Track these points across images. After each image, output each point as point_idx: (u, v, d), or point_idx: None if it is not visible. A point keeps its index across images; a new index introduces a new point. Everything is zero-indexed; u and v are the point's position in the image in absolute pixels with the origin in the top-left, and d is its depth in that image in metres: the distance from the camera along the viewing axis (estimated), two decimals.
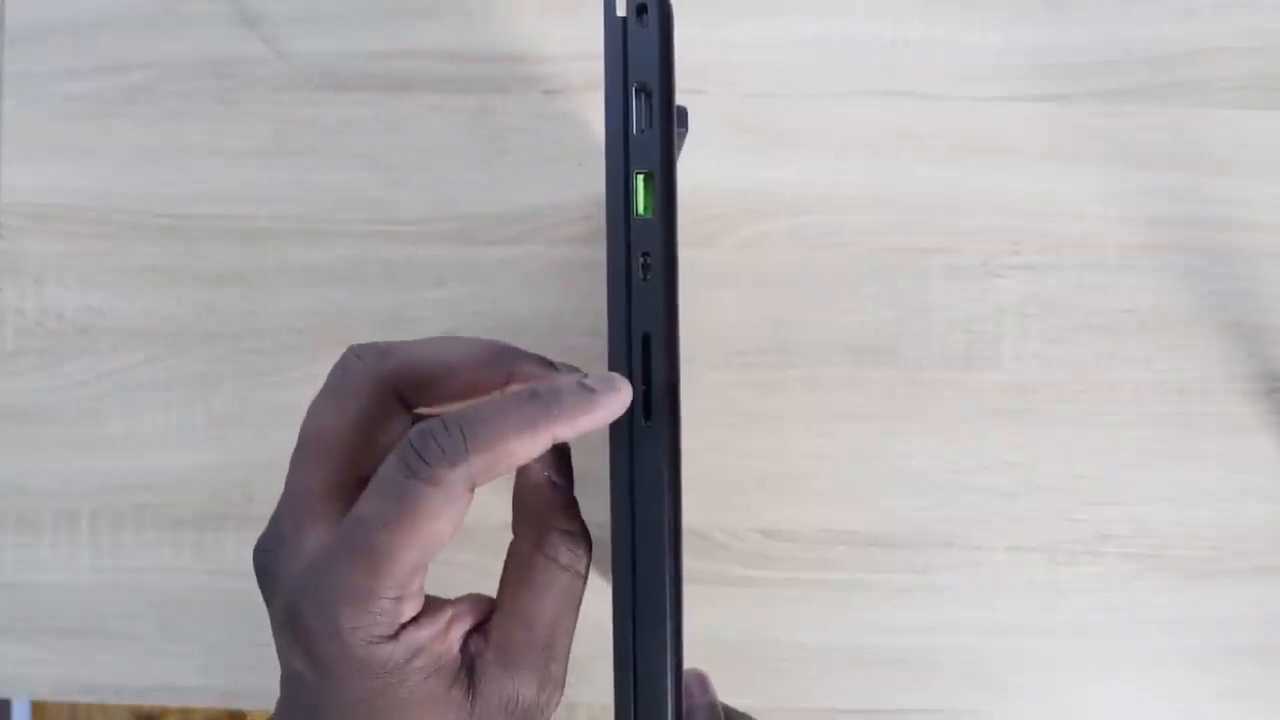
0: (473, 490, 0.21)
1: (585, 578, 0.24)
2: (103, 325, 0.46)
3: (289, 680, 0.23)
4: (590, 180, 0.45)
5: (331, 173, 0.46)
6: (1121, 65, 0.45)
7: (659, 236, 0.23)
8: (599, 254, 0.45)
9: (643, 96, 0.23)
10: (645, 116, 0.23)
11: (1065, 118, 0.45)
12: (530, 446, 0.21)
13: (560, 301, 0.45)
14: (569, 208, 0.45)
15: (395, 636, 0.21)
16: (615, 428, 0.24)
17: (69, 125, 0.46)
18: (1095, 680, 0.44)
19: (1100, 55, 0.45)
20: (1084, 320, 0.44)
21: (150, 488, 0.45)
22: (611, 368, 0.24)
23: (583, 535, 0.24)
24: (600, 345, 0.45)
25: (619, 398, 0.23)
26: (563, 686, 0.24)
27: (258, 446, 0.45)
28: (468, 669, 0.23)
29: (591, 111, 0.46)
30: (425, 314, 0.45)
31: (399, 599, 0.21)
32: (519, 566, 0.24)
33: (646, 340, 0.23)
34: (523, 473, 0.24)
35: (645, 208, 0.23)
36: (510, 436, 0.21)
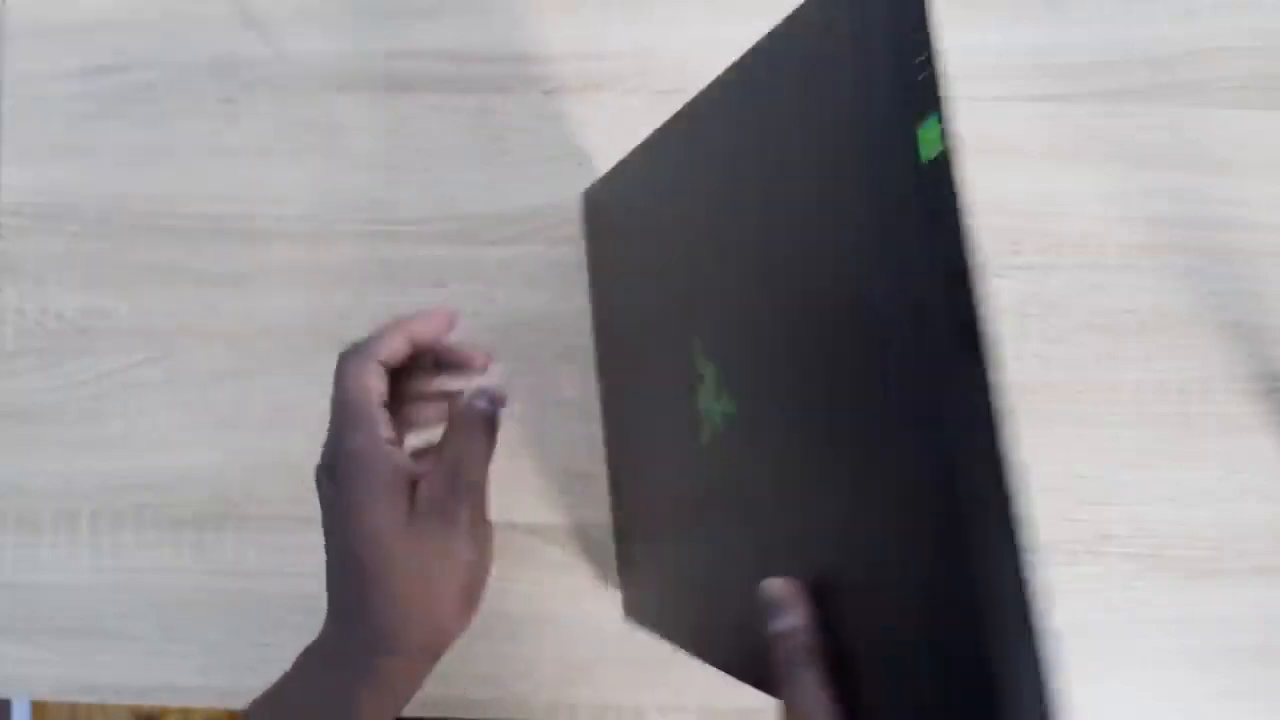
0: (380, 363, 0.34)
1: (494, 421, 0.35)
2: (103, 325, 0.46)
3: (323, 504, 0.34)
4: (590, 180, 0.45)
5: (331, 173, 0.46)
6: (1121, 65, 0.45)
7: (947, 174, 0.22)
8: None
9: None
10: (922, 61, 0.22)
11: (1065, 118, 0.45)
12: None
13: (560, 301, 0.45)
14: (569, 208, 0.45)
15: (381, 447, 0.33)
16: (935, 367, 0.22)
17: (69, 125, 0.46)
18: (1095, 680, 0.44)
19: (1100, 55, 0.45)
20: (1084, 320, 0.44)
21: (150, 488, 0.45)
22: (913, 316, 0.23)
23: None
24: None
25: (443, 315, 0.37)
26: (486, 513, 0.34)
27: (258, 446, 0.45)
28: (418, 492, 0.33)
29: (591, 111, 0.46)
30: None
31: (374, 425, 0.33)
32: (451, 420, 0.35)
33: (957, 271, 0.22)
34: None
35: (932, 151, 0.22)
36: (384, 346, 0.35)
